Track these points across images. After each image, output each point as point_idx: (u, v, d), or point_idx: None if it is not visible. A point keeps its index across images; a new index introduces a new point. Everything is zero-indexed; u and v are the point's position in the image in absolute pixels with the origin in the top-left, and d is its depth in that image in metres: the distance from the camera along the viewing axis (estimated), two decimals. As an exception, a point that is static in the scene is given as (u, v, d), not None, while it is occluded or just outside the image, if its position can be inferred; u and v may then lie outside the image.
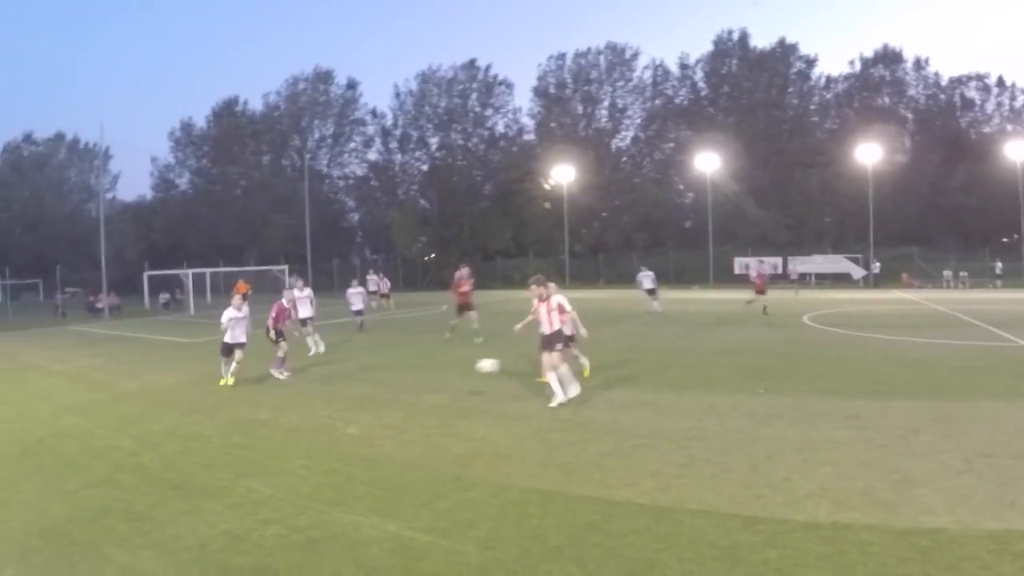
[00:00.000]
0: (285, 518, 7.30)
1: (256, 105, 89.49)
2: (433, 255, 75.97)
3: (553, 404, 12.09)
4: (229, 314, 16.09)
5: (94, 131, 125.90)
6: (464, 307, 22.58)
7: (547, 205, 70.09)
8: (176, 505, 7.89)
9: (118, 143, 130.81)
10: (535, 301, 13.12)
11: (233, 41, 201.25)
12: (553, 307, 12.84)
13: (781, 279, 52.38)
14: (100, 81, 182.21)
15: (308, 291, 22.17)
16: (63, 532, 7.30)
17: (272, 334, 17.47)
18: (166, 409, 13.82)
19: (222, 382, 15.87)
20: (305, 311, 21.44)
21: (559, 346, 12.62)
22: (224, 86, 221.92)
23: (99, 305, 46.92)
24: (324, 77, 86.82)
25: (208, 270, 54.96)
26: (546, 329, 12.80)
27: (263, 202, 79.10)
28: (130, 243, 77.21)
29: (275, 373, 16.97)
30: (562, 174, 65.36)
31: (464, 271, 23.28)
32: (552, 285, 13.43)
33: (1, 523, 7.71)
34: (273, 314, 17.61)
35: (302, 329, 21.28)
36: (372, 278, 41.25)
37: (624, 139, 79.46)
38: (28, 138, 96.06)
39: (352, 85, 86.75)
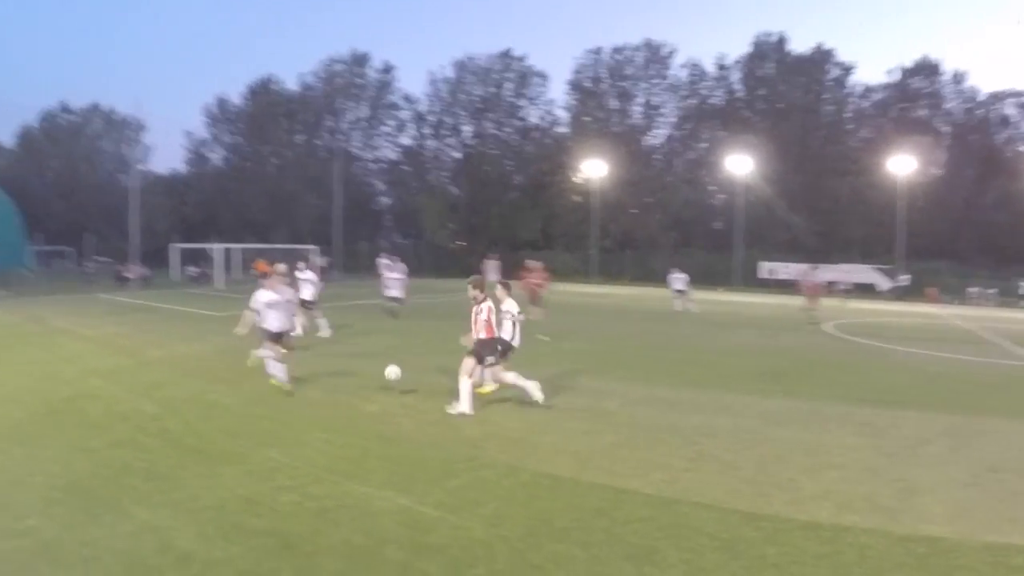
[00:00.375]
0: (301, 486, 7.55)
1: (291, 84, 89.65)
2: (461, 243, 76.04)
3: (452, 411, 11.15)
4: (264, 297, 12.98)
5: (129, 103, 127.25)
6: (534, 299, 21.40)
7: (577, 198, 69.88)
8: (196, 468, 8.14)
9: (153, 116, 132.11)
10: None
11: (270, 19, 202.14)
12: (481, 313, 11.77)
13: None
14: (137, 54, 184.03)
15: (310, 274, 21.77)
16: (85, 487, 7.58)
17: None
18: (190, 377, 14.11)
19: (276, 384, 12.70)
20: (306, 293, 20.93)
21: (489, 359, 11.72)
22: (260, 64, 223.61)
23: (128, 275, 47.47)
24: (360, 60, 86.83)
25: (237, 245, 55.43)
26: (475, 335, 11.81)
27: (294, 181, 79.44)
28: (161, 215, 77.82)
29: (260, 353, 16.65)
30: (593, 168, 65.04)
31: (536, 263, 22.37)
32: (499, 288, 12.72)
33: (26, 476, 7.99)
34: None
35: (306, 312, 20.37)
36: (384, 261, 40.62)
37: (657, 137, 79.02)
38: (64, 107, 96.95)
39: (388, 69, 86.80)
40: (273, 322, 12.89)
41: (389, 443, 9.29)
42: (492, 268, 44.31)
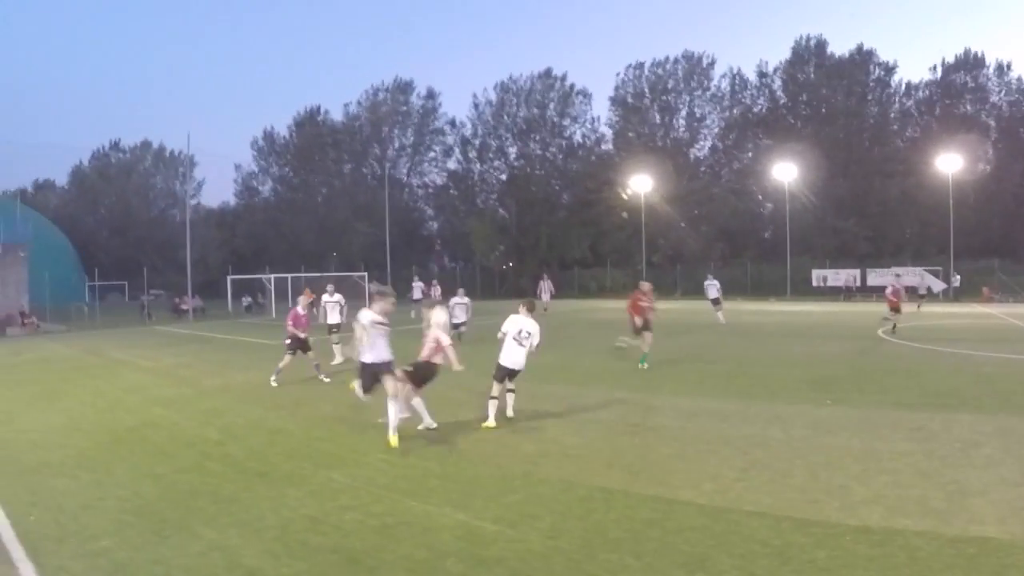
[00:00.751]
0: (362, 505, 7.81)
1: (337, 115, 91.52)
2: (511, 264, 76.33)
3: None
4: (370, 316, 10.82)
5: (179, 140, 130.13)
6: (644, 326, 18.99)
7: (624, 215, 69.80)
8: (260, 491, 8.44)
9: (202, 151, 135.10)
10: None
11: (314, 52, 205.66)
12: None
13: (861, 291, 51.77)
14: (186, 91, 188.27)
15: (338, 296, 21.76)
16: (154, 511, 7.91)
17: (289, 342, 17.41)
18: (249, 404, 14.51)
19: (393, 441, 10.51)
20: (333, 318, 21.28)
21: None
22: (305, 96, 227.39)
23: (183, 307, 48.40)
24: (404, 87, 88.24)
25: (290, 275, 56.25)
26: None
27: (344, 210, 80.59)
28: (214, 248, 79.34)
29: (273, 380, 16.78)
30: (640, 184, 65.01)
31: (648, 284, 20.35)
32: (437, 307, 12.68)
33: (97, 501, 8.36)
34: (290, 321, 17.56)
35: (328, 336, 20.92)
36: (418, 285, 40.05)
37: (702, 149, 79.04)
38: (115, 146, 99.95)
39: (432, 95, 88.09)
40: (369, 352, 10.75)
41: (447, 462, 9.51)
42: (546, 288, 44.32)
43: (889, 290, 27.98)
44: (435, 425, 11.35)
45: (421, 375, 11.57)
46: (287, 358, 17.16)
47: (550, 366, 14.93)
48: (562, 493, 8.08)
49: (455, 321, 22.14)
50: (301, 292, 19.69)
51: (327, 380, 17.01)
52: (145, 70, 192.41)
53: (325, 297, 21.43)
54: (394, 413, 10.56)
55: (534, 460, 9.47)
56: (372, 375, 10.80)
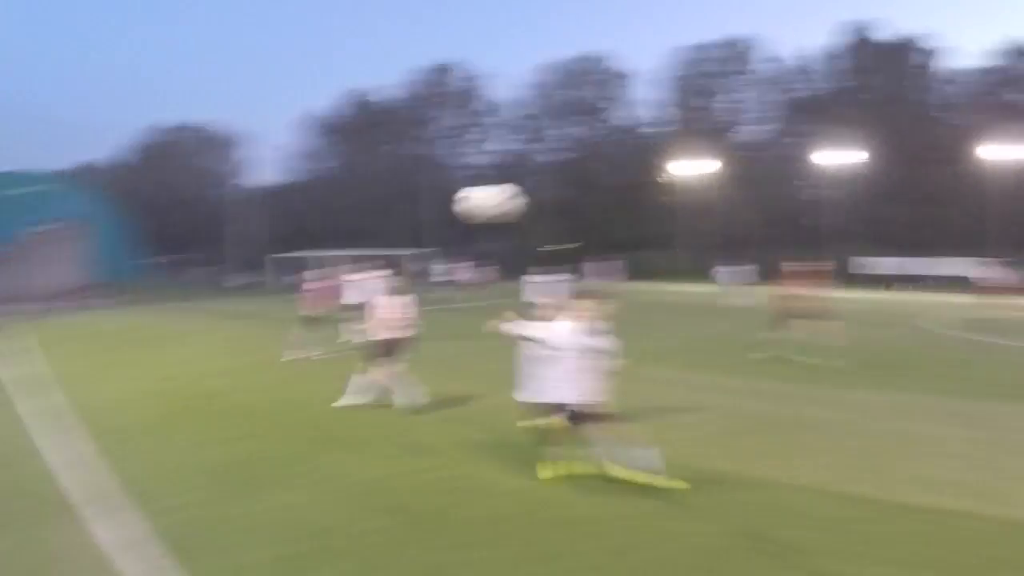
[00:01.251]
0: (424, 470, 8.24)
1: (381, 96, 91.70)
2: (552, 247, 76.19)
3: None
4: (572, 331, 7.84)
5: (226, 121, 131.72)
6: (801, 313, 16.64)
7: (667, 198, 69.55)
8: (324, 456, 8.86)
9: (247, 132, 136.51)
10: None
11: (358, 33, 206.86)
12: None
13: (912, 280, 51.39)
14: (234, 73, 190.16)
15: (366, 275, 20.88)
16: (221, 473, 8.39)
17: (307, 313, 17.58)
18: (303, 377, 14.97)
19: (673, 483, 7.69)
20: (352, 298, 19.81)
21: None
22: (349, 77, 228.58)
23: (236, 283, 49.25)
24: (446, 69, 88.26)
25: (334, 252, 56.69)
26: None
27: (387, 190, 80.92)
28: (259, 226, 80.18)
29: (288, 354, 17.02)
30: (683, 168, 64.70)
31: (803, 264, 17.81)
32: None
33: (164, 466, 8.85)
34: (313, 296, 17.82)
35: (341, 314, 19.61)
36: (446, 267, 38.65)
37: (745, 133, 78.35)
38: (165, 126, 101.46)
39: (474, 77, 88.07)
40: (551, 388, 7.80)
41: (506, 431, 9.81)
42: (593, 271, 43.00)
43: (984, 278, 26.62)
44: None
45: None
46: (298, 332, 17.47)
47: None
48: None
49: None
50: (339, 271, 19.48)
51: (315, 357, 17.03)
52: (192, 51, 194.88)
53: (348, 276, 20.94)
54: (634, 460, 7.64)
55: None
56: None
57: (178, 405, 12.29)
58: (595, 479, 7.81)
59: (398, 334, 11.71)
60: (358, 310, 19.41)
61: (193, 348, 20.42)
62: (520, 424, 9.16)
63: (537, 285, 23.33)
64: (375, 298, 12.11)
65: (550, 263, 22.19)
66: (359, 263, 21.89)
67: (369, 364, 11.68)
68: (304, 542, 6.37)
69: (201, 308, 36.72)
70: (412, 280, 18.66)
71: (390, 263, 28.55)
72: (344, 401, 11.59)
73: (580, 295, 8.53)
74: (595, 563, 5.88)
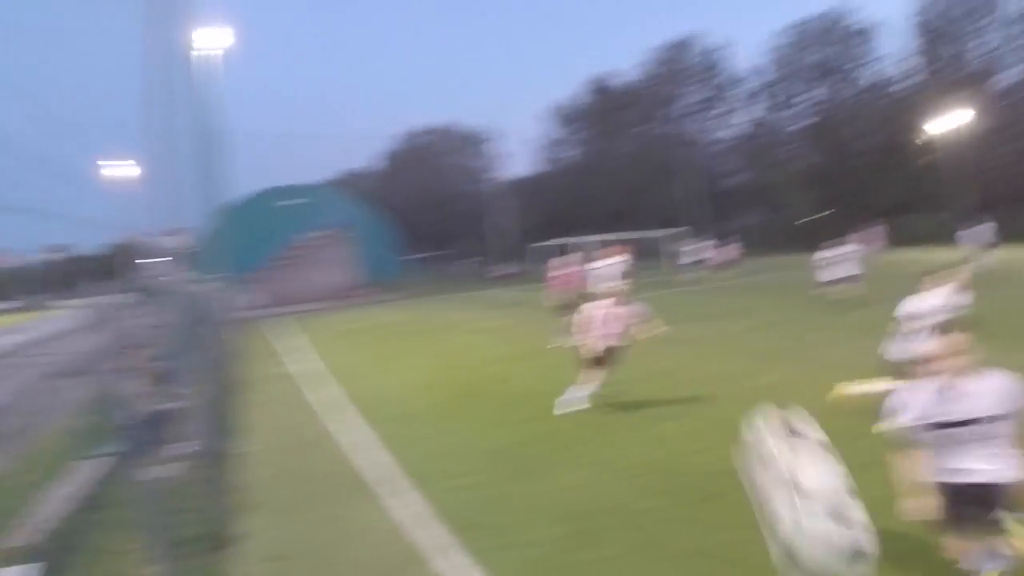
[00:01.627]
0: (711, 449, 8.30)
1: (626, 78, 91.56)
2: (815, 216, 73.36)
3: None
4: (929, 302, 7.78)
5: (480, 118, 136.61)
6: None
7: (931, 157, 64.95)
8: (607, 437, 9.24)
9: (501, 126, 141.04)
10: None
11: (599, 17, 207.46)
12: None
13: None
14: (483, 71, 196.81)
15: (613, 260, 19.82)
16: (511, 454, 9.06)
17: (558, 304, 17.53)
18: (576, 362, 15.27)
19: None
20: (605, 282, 17.67)
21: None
22: (594, 62, 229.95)
23: (498, 273, 50.90)
24: (689, 42, 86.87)
25: (594, 237, 57.18)
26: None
27: (643, 170, 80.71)
28: (519, 216, 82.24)
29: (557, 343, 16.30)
30: (945, 122, 60.02)
31: None
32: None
33: (458, 445, 9.71)
34: (558, 283, 17.77)
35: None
36: (692, 247, 37.09)
37: (1013, 77, 71.25)
38: (421, 129, 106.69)
39: (719, 48, 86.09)
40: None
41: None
42: (864, 237, 39.46)
43: None
44: None
45: None
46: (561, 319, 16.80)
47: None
48: (858, 440, 8.09)
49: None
50: (598, 255, 19.24)
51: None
52: (445, 53, 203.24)
53: (595, 264, 19.64)
54: None
55: (872, 413, 9.46)
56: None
57: (456, 392, 13.21)
58: (878, 461, 7.54)
59: (614, 344, 10.79)
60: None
61: (463, 338, 21.51)
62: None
63: (832, 262, 20.58)
64: (592, 308, 10.88)
65: (834, 236, 20.31)
66: (606, 248, 20.85)
67: (584, 373, 10.83)
68: (584, 520, 6.75)
69: (467, 299, 38.35)
70: (669, 262, 18.01)
71: (640, 246, 28.08)
72: (563, 410, 10.57)
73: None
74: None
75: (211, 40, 23.22)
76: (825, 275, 20.58)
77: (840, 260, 20.35)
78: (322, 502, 7.90)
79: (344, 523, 7.27)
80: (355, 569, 6.27)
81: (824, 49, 76.28)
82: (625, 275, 18.65)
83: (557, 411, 10.50)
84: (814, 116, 76.50)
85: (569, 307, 17.15)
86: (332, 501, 7.93)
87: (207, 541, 6.81)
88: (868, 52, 75.73)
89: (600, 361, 10.70)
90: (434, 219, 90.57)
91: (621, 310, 10.68)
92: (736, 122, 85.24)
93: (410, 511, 7.35)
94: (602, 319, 10.60)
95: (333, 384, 15.23)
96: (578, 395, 10.65)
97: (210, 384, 9.36)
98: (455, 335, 22.45)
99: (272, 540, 6.98)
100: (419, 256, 71.58)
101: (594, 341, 10.64)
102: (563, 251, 27.70)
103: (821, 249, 21.06)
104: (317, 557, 6.56)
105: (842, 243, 20.73)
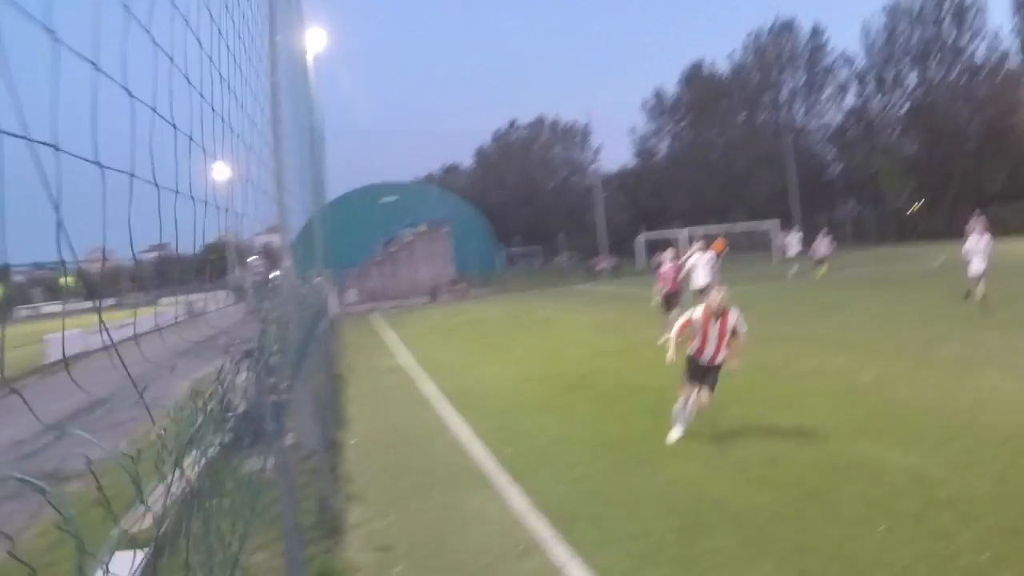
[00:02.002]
0: (814, 445, 8.27)
1: (723, 66, 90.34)
2: (920, 203, 70.98)
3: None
4: None
5: (572, 111, 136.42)
6: None
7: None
8: (707, 433, 9.09)
9: (597, 118, 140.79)
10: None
11: (693, 5, 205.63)
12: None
13: None
14: (575, 64, 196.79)
15: (710, 254, 18.97)
16: (618, 446, 9.03)
17: (660, 300, 17.28)
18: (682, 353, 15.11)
19: None
20: (701, 278, 18.21)
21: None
22: (690, 51, 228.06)
23: (599, 266, 50.88)
24: (787, 27, 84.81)
25: (699, 228, 56.65)
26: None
27: (743, 160, 79.46)
28: (618, 208, 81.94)
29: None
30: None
31: None
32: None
33: (564, 437, 9.72)
34: (659, 282, 17.45)
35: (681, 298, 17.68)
36: (794, 237, 35.68)
37: None
38: (513, 124, 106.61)
39: (817, 31, 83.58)
40: None
41: (889, 408, 9.60)
42: (794, 241, 37.09)
43: None
44: None
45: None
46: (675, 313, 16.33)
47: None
48: (1006, 443, 7.89)
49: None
50: (699, 246, 18.87)
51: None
52: (535, 51, 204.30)
53: (696, 256, 18.73)
54: None
55: (974, 409, 9.22)
56: None
57: (560, 385, 13.27)
58: (982, 460, 7.46)
59: (718, 357, 9.06)
60: (703, 292, 17.98)
61: (564, 332, 21.53)
62: None
63: (973, 253, 18.00)
64: (696, 312, 9.10)
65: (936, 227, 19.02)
66: (706, 240, 20.18)
67: (683, 386, 9.23)
68: (690, 514, 6.72)
69: (564, 293, 38.39)
70: (772, 254, 17.41)
71: (744, 238, 27.63)
72: (674, 436, 9.05)
73: None
74: (991, 546, 5.63)
75: (311, 40, 23.74)
76: (972, 269, 18.39)
77: (977, 252, 18.28)
78: (427, 494, 8.01)
79: (449, 515, 7.35)
80: (459, 561, 6.31)
81: (923, 29, 73.67)
82: (722, 269, 17.90)
83: (669, 442, 8.87)
84: (919, 99, 73.85)
85: (674, 302, 17.17)
86: (437, 493, 8.02)
87: (316, 530, 7.01)
88: (975, 30, 72.76)
89: (701, 374, 9.08)
90: (529, 213, 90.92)
91: (730, 318, 8.90)
92: (839, 108, 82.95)
93: (514, 503, 7.41)
94: (710, 330, 8.88)
95: (436, 377, 15.41)
96: (682, 416, 9.10)
97: (317, 378, 9.58)
98: (556, 329, 22.44)
99: (378, 530, 7.11)
100: (515, 250, 71.99)
101: (700, 353, 8.99)
102: (665, 245, 27.33)
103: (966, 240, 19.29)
104: (421, 548, 6.63)
105: (974, 234, 19.24)
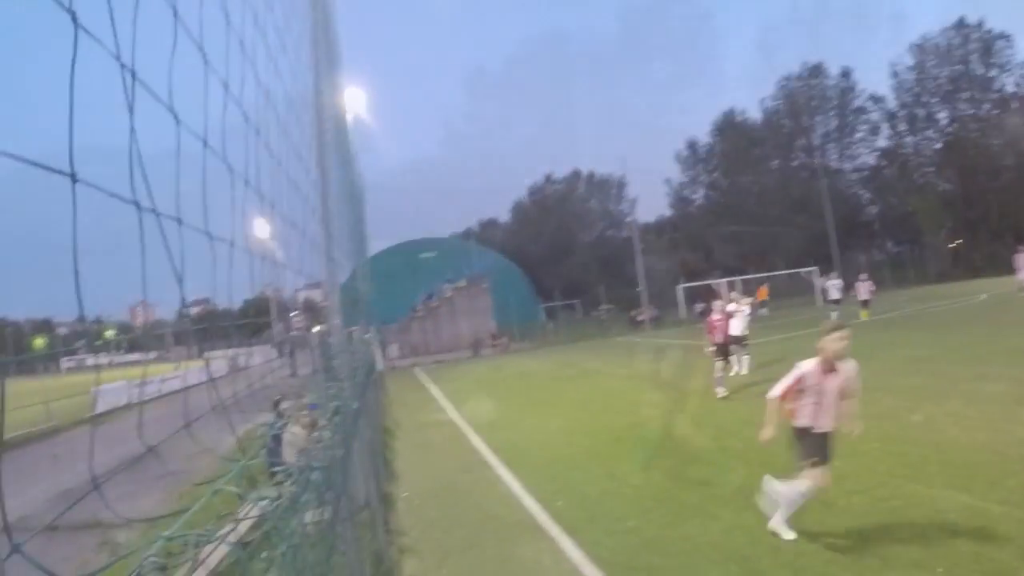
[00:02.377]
0: (867, 489, 8.23)
1: (755, 113, 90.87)
2: (959, 241, 70.23)
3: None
4: None
5: (606, 164, 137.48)
6: None
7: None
8: (755, 482, 9.04)
9: (632, 170, 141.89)
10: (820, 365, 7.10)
11: (721, 54, 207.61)
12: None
13: None
14: (607, 117, 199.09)
15: (748, 302, 19.61)
16: (670, 496, 9.01)
17: (712, 349, 17.00)
18: (738, 402, 15.20)
19: None
20: (737, 328, 18.50)
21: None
22: (721, 100, 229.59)
23: (640, 318, 50.74)
24: (816, 71, 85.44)
25: (738, 278, 56.35)
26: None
27: (779, 206, 79.42)
28: (656, 258, 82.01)
29: (718, 391, 16.03)
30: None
31: None
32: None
33: (615, 489, 9.71)
34: (715, 327, 17.21)
35: (731, 347, 17.84)
36: (835, 283, 34.84)
37: None
38: (549, 179, 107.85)
39: (846, 74, 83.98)
40: None
41: (941, 449, 9.53)
42: (834, 286, 36.49)
43: None
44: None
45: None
46: (717, 364, 16.63)
47: None
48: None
49: None
50: (740, 295, 18.88)
51: (721, 393, 16.00)
52: (568, 106, 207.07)
53: (732, 307, 18.99)
54: None
55: (1031, 446, 9.17)
56: None
57: (607, 437, 13.26)
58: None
59: (835, 424, 7.20)
60: (741, 343, 18.98)
61: (608, 383, 21.45)
62: None
63: None
64: (809, 370, 7.10)
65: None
66: (747, 287, 20.16)
67: (801, 464, 7.20)
68: (746, 562, 6.75)
69: (605, 345, 38.23)
70: (815, 299, 17.18)
71: (785, 284, 27.47)
72: (776, 524, 7.34)
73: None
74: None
75: (350, 99, 24.24)
76: None
77: None
78: (479, 547, 8.06)
79: (501, 568, 7.41)
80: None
81: (951, 65, 73.81)
82: (769, 316, 17.82)
83: (772, 527, 7.35)
84: (951, 135, 73.57)
85: (724, 351, 17.06)
86: (488, 546, 8.08)
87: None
88: (1002, 63, 72.79)
89: (823, 448, 7.16)
90: (567, 266, 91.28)
91: (846, 369, 7.11)
92: (872, 149, 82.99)
93: (569, 555, 7.45)
94: (826, 387, 7.04)
95: (483, 431, 15.48)
96: (787, 500, 7.28)
97: (368, 431, 9.71)
98: (600, 381, 22.39)
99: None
100: (554, 304, 72.15)
101: (812, 417, 7.11)
102: (706, 294, 26.76)
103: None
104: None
105: None
